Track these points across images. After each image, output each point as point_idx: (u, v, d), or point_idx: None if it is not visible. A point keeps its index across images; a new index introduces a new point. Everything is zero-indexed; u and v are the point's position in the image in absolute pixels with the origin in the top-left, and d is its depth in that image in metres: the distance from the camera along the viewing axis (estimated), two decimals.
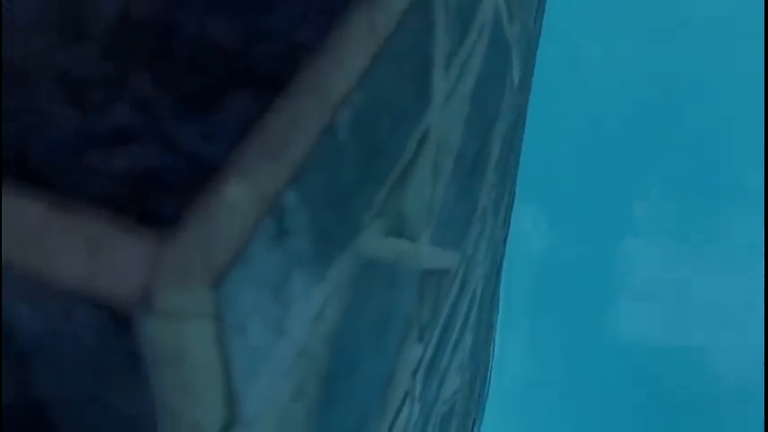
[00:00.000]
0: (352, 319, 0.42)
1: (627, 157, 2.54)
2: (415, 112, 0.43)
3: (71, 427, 0.31)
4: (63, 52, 0.33)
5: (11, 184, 0.28)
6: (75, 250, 0.27)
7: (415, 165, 0.45)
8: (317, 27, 0.34)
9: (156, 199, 0.28)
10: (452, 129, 0.53)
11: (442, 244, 0.60)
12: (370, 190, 0.39)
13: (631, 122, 2.56)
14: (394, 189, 0.43)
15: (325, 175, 0.33)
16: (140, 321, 0.27)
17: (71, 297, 0.27)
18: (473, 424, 1.61)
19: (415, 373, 0.62)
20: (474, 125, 0.61)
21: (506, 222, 1.47)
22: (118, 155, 0.29)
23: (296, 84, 0.32)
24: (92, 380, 0.29)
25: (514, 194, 1.70)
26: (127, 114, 0.31)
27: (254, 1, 0.35)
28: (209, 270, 0.27)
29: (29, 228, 0.27)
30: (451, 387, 0.96)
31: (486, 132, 0.70)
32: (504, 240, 1.62)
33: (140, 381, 0.28)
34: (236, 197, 0.29)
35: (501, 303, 2.37)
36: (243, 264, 0.28)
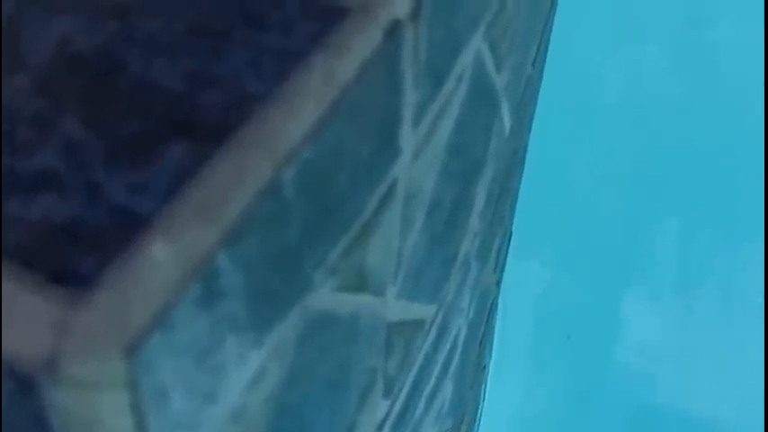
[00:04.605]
0: (301, 378, 0.40)
1: (634, 203, 2.53)
2: (379, 165, 0.41)
3: None
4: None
5: None
6: None
7: (378, 219, 0.44)
8: (270, 75, 0.33)
9: (72, 255, 0.26)
10: (425, 180, 0.51)
11: (413, 295, 0.58)
12: (323, 247, 0.37)
13: (639, 172, 2.55)
14: (353, 245, 0.41)
15: (266, 234, 0.31)
16: (46, 388, 0.25)
17: None
18: None
19: (380, 427, 0.61)
20: (452, 174, 0.59)
21: (499, 266, 1.45)
22: (37, 202, 0.28)
23: (239, 136, 0.31)
24: None
25: (510, 236, 1.68)
26: (53, 158, 0.29)
27: (207, 42, 0.34)
28: (123, 336, 0.26)
29: None
30: None
31: (467, 181, 0.68)
32: (498, 283, 1.60)
33: None
34: (161, 257, 0.27)
35: (496, 345, 2.34)
36: (164, 329, 0.27)
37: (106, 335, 0.26)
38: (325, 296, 0.40)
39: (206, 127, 0.31)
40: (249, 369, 0.33)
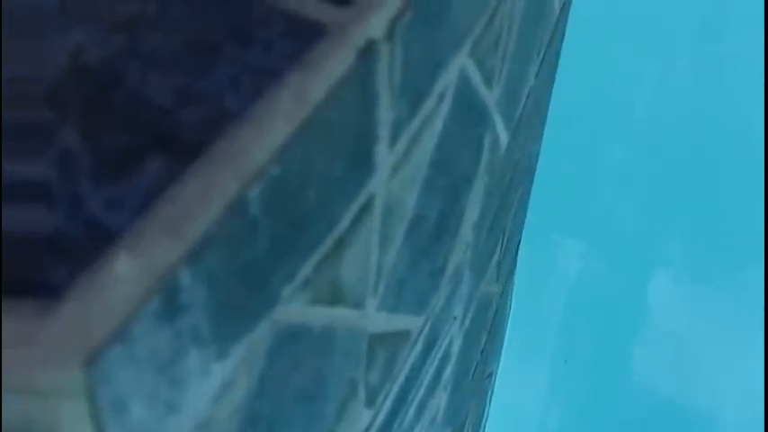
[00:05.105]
0: (272, 389, 0.41)
1: (659, 196, 2.54)
2: (353, 182, 0.42)
3: None
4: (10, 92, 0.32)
5: None
6: None
7: (354, 233, 0.45)
8: (247, 93, 0.34)
9: (44, 267, 0.27)
10: (405, 195, 0.52)
11: (396, 307, 0.59)
12: (293, 262, 0.38)
13: (673, 160, 2.56)
14: (326, 259, 0.42)
15: (231, 250, 0.32)
16: (7, 396, 0.26)
17: None
18: None
19: None
20: (437, 189, 0.60)
21: (502, 276, 1.46)
22: (21, 211, 0.29)
23: (209, 153, 0.32)
24: None
25: (519, 245, 1.69)
26: (47, 168, 0.30)
27: (199, 57, 0.35)
28: (84, 347, 0.27)
29: None
30: None
31: (455, 194, 0.69)
32: (503, 293, 1.61)
33: None
34: (125, 272, 0.28)
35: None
36: (124, 341, 0.28)
37: (67, 346, 0.27)
38: (297, 309, 0.40)
39: (182, 143, 0.32)
40: (214, 380, 0.34)
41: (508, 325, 1.95)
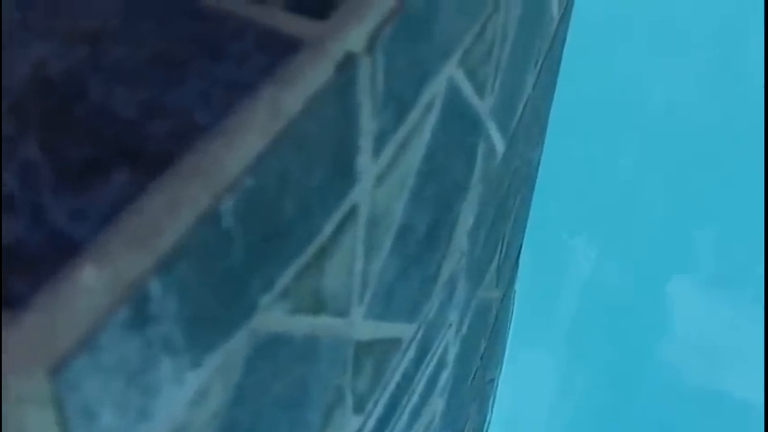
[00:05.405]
0: (251, 397, 0.41)
1: (680, 197, 2.55)
2: (334, 192, 0.43)
3: None
4: None
5: None
6: None
7: (336, 243, 0.45)
8: (218, 106, 0.34)
9: (9, 277, 0.28)
10: (392, 204, 0.53)
11: (384, 315, 0.60)
12: (271, 272, 0.39)
13: (689, 165, 2.56)
14: (307, 269, 0.42)
15: (204, 261, 0.33)
16: None
17: None
18: None
19: None
20: (427, 198, 0.61)
21: (502, 282, 1.46)
22: None
23: (179, 166, 0.32)
24: None
25: (520, 252, 1.69)
26: (9, 179, 0.31)
27: (166, 71, 0.35)
28: (49, 356, 0.27)
29: None
30: None
31: (447, 203, 0.69)
32: (504, 299, 1.61)
33: None
34: (90, 283, 0.28)
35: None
36: (90, 350, 0.28)
37: (33, 354, 0.27)
38: (277, 318, 0.41)
39: (150, 156, 0.32)
40: (189, 388, 0.35)
41: (511, 329, 1.95)
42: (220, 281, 0.35)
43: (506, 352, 1.96)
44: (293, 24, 0.37)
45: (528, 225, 1.60)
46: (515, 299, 1.80)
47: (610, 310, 2.49)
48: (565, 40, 1.34)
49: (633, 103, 2.51)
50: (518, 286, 1.80)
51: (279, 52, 0.36)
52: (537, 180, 1.56)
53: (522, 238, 1.67)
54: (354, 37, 0.40)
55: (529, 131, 1.15)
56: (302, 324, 0.45)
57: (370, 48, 0.41)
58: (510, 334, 1.95)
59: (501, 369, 2.02)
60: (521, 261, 1.70)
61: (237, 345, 0.38)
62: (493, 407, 2.04)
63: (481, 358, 1.47)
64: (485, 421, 1.92)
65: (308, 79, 0.37)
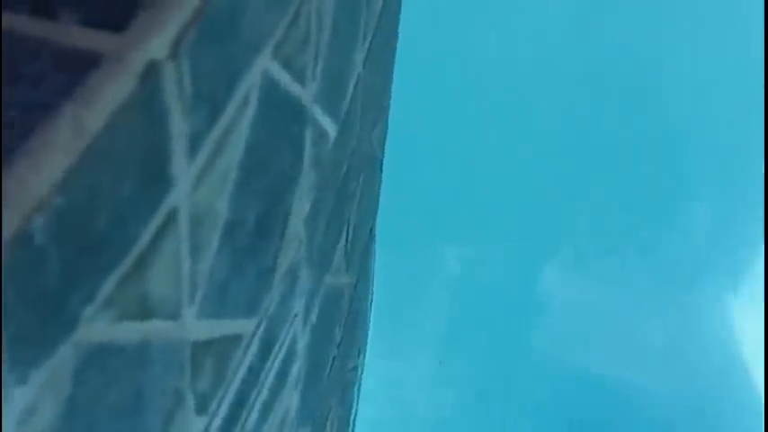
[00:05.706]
0: (84, 409, 0.41)
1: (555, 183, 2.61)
2: (149, 199, 0.43)
3: None
4: None
5: None
6: None
7: (158, 248, 0.45)
8: (19, 128, 0.34)
9: None
10: (215, 202, 0.53)
11: (220, 313, 0.60)
12: (90, 283, 0.39)
13: (562, 148, 2.63)
14: (129, 276, 0.43)
15: (18, 280, 0.33)
16: None
17: None
18: None
19: None
20: (252, 191, 0.61)
21: (353, 267, 1.47)
22: None
23: None
24: None
25: (373, 235, 1.70)
26: None
27: None
28: None
29: None
30: None
31: (277, 193, 0.70)
32: (356, 284, 1.61)
33: None
34: None
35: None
36: None
37: None
38: (102, 328, 0.41)
39: None
40: (16, 405, 0.35)
41: (371, 318, 1.96)
42: (38, 297, 0.35)
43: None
44: (90, 39, 0.37)
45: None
46: (374, 284, 1.81)
47: (484, 306, 2.54)
48: (399, 9, 1.35)
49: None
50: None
51: (77, 69, 0.36)
52: (385, 160, 1.57)
53: (374, 219, 1.68)
54: (156, 45, 0.40)
55: (365, 110, 1.17)
56: (131, 331, 0.45)
57: (174, 53, 0.42)
58: (374, 333, 1.95)
59: (364, 356, 2.02)
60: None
61: (63, 359, 0.38)
62: (359, 395, 2.04)
63: (338, 346, 1.48)
64: (350, 410, 1.93)
65: (109, 94, 0.37)
